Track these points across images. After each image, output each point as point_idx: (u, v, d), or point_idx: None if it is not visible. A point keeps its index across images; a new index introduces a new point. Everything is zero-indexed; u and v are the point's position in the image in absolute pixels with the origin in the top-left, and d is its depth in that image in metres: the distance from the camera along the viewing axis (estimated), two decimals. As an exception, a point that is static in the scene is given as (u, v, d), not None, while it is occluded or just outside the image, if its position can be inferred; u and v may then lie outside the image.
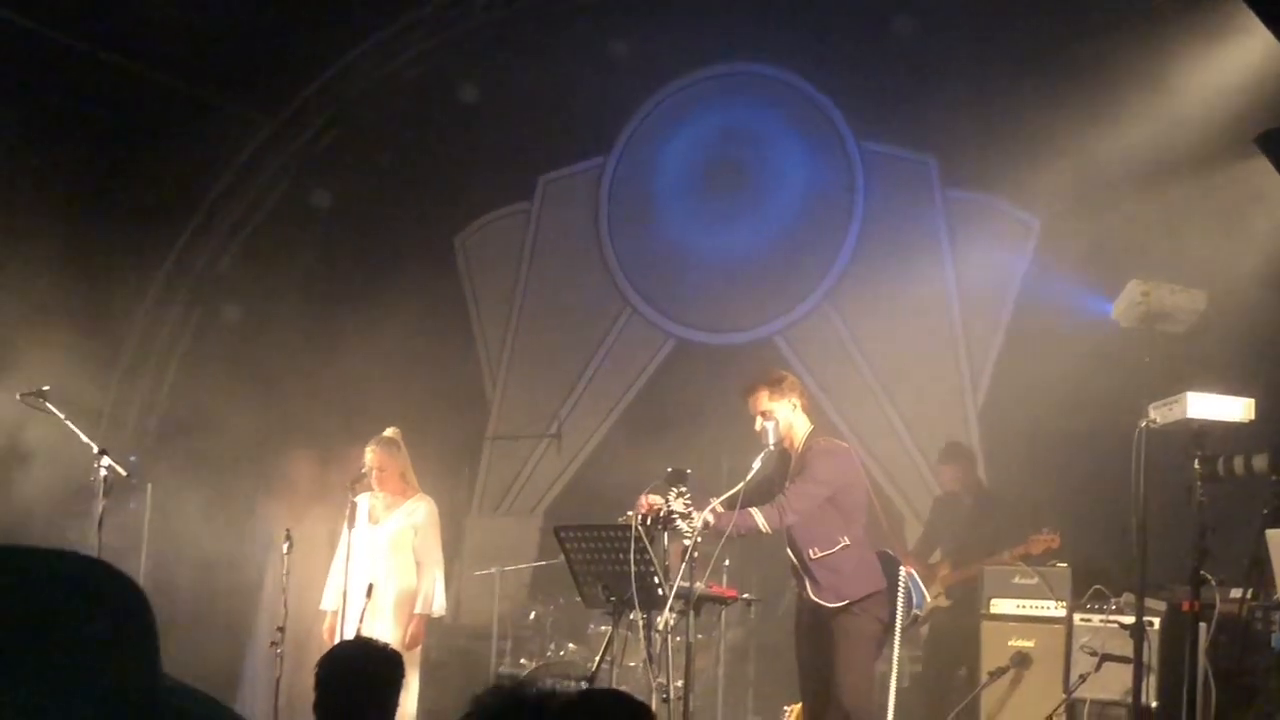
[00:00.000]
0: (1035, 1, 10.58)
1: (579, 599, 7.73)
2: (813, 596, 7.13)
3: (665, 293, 12.22)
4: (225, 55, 11.32)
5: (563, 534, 7.34)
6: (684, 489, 6.84)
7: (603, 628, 9.15)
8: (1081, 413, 9.60)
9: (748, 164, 11.98)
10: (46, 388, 8.36)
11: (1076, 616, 8.73)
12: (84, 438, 8.32)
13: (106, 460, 8.14)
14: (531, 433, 12.39)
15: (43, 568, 2.10)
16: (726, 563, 9.12)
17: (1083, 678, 8.28)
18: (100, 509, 8.11)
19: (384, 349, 11.58)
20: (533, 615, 10.56)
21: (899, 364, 11.25)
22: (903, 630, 7.33)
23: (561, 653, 9.85)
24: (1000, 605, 9.18)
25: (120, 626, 2.07)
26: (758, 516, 6.96)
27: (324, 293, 12.22)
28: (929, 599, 7.61)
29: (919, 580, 7.46)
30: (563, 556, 7.52)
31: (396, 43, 12.64)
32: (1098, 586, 8.70)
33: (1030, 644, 8.96)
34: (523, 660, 10.19)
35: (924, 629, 9.62)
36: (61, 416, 8.33)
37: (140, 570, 10.76)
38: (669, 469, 6.89)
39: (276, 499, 10.68)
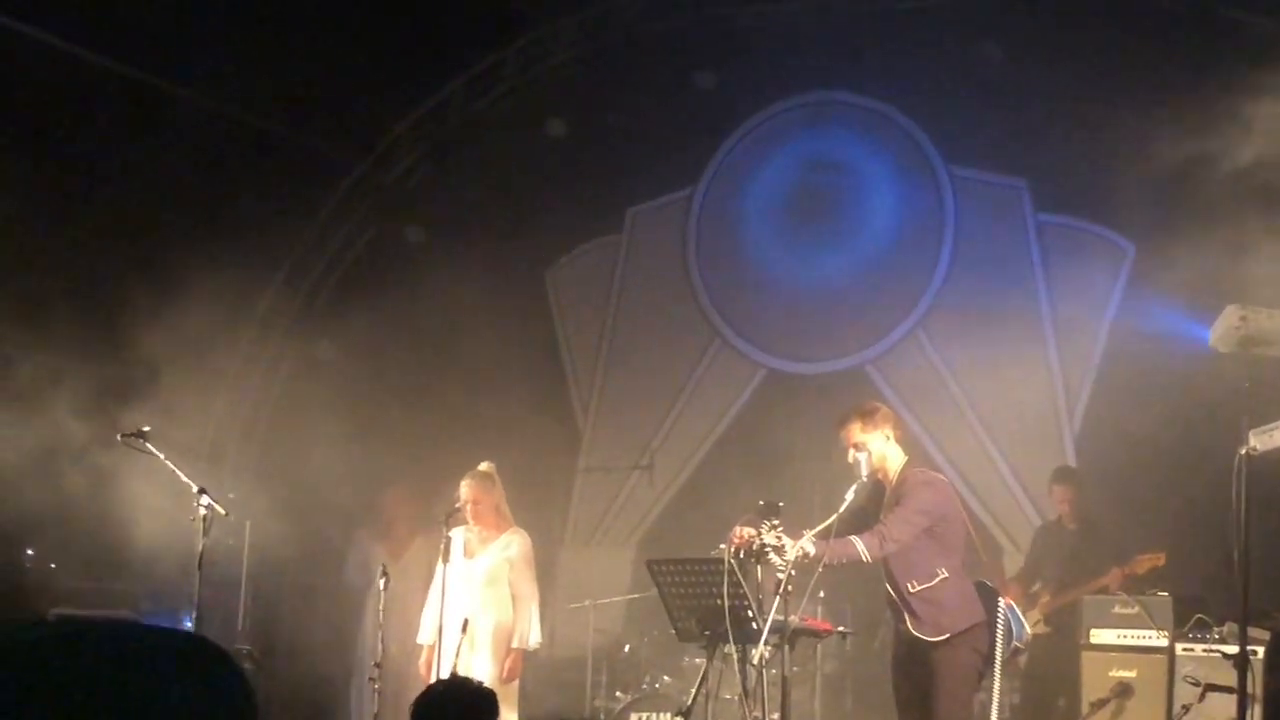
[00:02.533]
0: (1127, 23, 10.46)
1: (673, 632, 7.72)
2: (911, 630, 7.06)
3: (755, 323, 12.20)
4: (316, 96, 11.47)
5: (656, 568, 7.34)
6: (776, 522, 6.81)
7: (697, 660, 9.13)
8: (1179, 439, 9.47)
9: (836, 192, 11.95)
10: (147, 428, 8.48)
11: (1179, 646, 8.62)
12: (184, 477, 8.42)
13: (206, 499, 8.24)
14: (623, 464, 12.40)
15: (149, 644, 2.15)
16: (821, 594, 9.07)
17: (1185, 709, 8.16)
18: (201, 547, 8.20)
19: (476, 383, 11.66)
20: (627, 648, 10.55)
21: (993, 392, 11.14)
22: (1002, 663, 7.24)
23: (656, 685, 9.83)
24: (1101, 635, 9.07)
25: (217, 707, 2.12)
26: (858, 544, 6.91)
27: (417, 328, 12.32)
28: (1028, 627, 7.51)
29: (1018, 612, 7.36)
30: (656, 591, 7.52)
31: (485, 80, 12.76)
32: (1200, 616, 8.57)
33: (1132, 674, 8.84)
34: (618, 693, 10.18)
35: (1022, 658, 9.50)
36: (161, 456, 8.44)
37: (240, 606, 10.91)
38: (761, 502, 6.86)
39: (374, 533, 10.76)
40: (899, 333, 11.56)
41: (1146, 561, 9.02)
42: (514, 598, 8.97)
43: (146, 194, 10.89)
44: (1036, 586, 9.85)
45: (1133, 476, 9.93)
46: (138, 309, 10.53)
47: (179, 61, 10.90)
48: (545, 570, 10.03)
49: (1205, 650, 8.31)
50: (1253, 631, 7.64)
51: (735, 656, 7.15)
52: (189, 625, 10.23)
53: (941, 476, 7.40)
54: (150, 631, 2.20)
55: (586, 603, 10.57)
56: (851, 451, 7.17)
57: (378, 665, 8.60)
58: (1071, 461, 10.67)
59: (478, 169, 12.83)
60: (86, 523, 10.42)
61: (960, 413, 11.30)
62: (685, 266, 12.56)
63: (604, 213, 12.89)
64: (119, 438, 8.56)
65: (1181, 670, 8.42)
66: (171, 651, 2.13)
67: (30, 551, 10.89)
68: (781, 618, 6.82)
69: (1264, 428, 7.03)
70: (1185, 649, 8.56)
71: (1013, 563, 10.46)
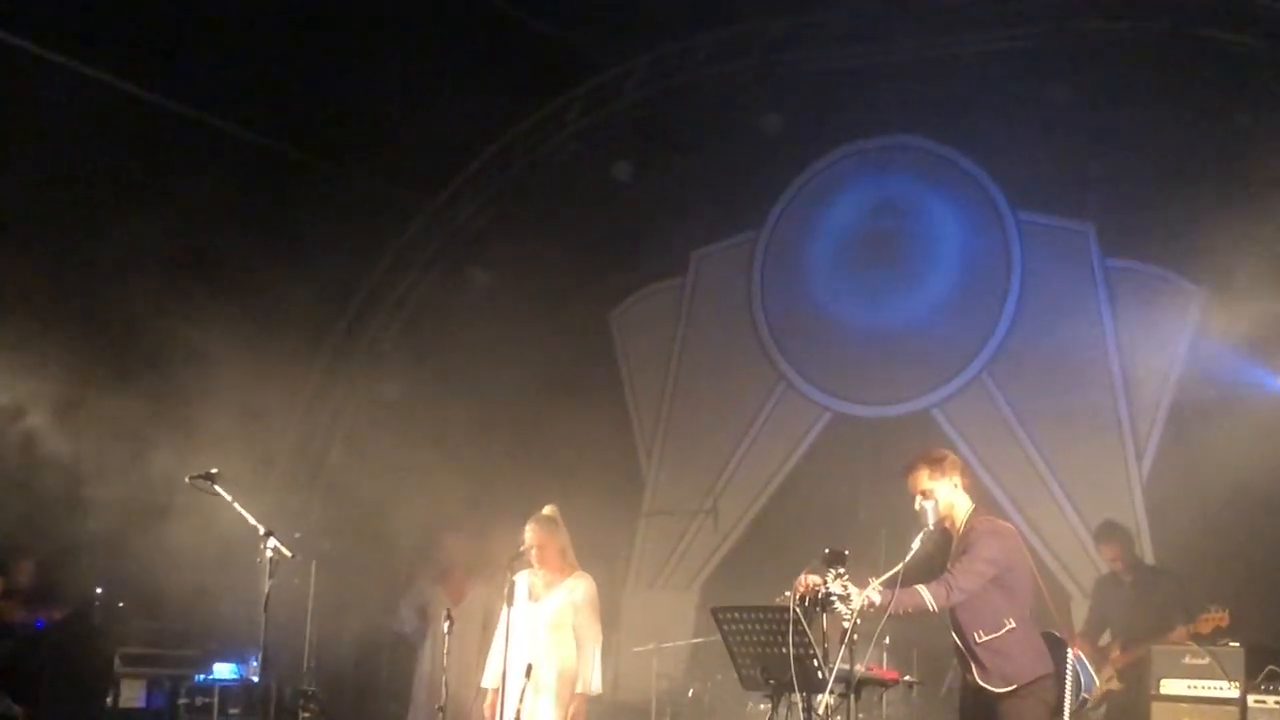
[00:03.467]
0: (1196, 65, 10.40)
1: (737, 678, 7.67)
2: (979, 681, 6.97)
3: (820, 366, 12.17)
4: (385, 138, 11.57)
5: (720, 615, 7.29)
6: (842, 570, 6.76)
7: (762, 706, 9.07)
8: (1251, 487, 9.36)
9: (901, 236, 11.93)
10: (215, 470, 8.54)
11: (1250, 698, 8.52)
12: (251, 520, 8.48)
13: (273, 541, 8.29)
14: (687, 508, 12.38)
15: None
16: (886, 641, 8.99)
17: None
18: (267, 589, 8.25)
19: (541, 426, 11.68)
20: (691, 692, 10.51)
21: (1060, 437, 11.06)
22: (1072, 715, 7.14)
23: (720, 731, 9.79)
24: (1171, 686, 8.95)
25: None
26: (925, 594, 6.85)
27: (481, 371, 12.37)
28: (1099, 683, 7.41)
29: (1087, 663, 7.26)
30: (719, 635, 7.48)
31: (552, 123, 12.85)
32: (1272, 667, 8.46)
33: (1203, 726, 8.72)
34: (681, 738, 10.14)
35: (1092, 711, 9.39)
36: (229, 498, 8.50)
37: (305, 645, 10.96)
38: (827, 550, 6.81)
39: (432, 577, 10.77)
40: (965, 377, 11.50)
41: (1210, 621, 8.90)
42: (578, 642, 8.93)
43: (213, 233, 10.99)
44: (1105, 640, 9.74)
45: (1203, 523, 9.83)
46: (205, 350, 10.65)
47: (249, 101, 11.04)
48: (609, 614, 10.01)
49: (1277, 702, 8.19)
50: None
51: (800, 704, 7.09)
52: (255, 665, 10.33)
53: (1009, 525, 7.31)
54: None
55: (650, 646, 10.54)
56: (919, 499, 7.12)
57: (441, 710, 8.60)
58: (1140, 509, 10.57)
59: (543, 211, 12.89)
60: (154, 562, 10.53)
61: (1026, 457, 11.22)
62: (750, 309, 12.55)
63: (669, 255, 12.92)
64: (187, 479, 8.63)
65: (1253, 721, 8.32)
66: None
67: (99, 590, 11.00)
68: (847, 666, 6.77)
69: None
70: (1257, 700, 8.46)
71: (1079, 608, 10.35)
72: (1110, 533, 9.92)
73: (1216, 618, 8.88)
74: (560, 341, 12.48)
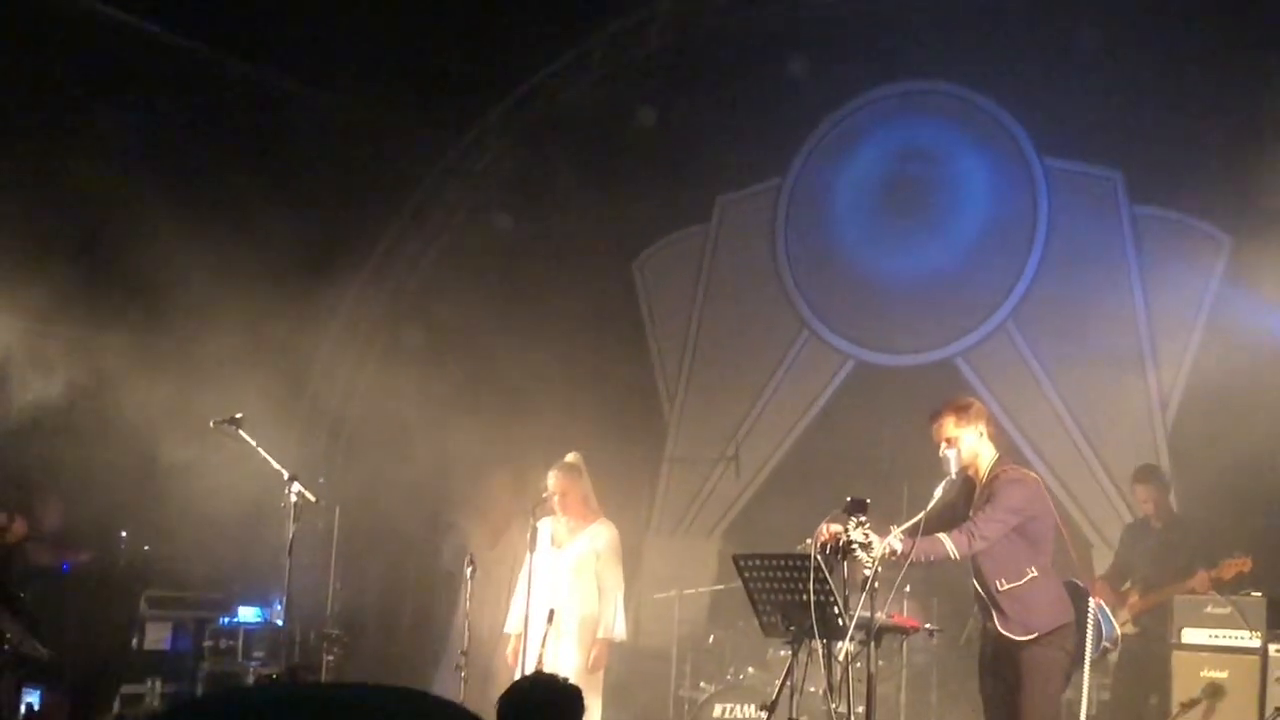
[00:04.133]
0: (1227, 11, 10.28)
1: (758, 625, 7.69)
2: (1000, 629, 6.99)
3: (844, 314, 12.12)
4: (408, 80, 11.52)
5: (742, 562, 7.30)
6: (864, 518, 6.76)
7: (782, 653, 9.10)
8: (1275, 436, 9.31)
9: (928, 183, 11.84)
10: (239, 415, 8.58)
11: (1272, 647, 8.53)
12: (275, 464, 8.52)
13: (297, 486, 8.33)
14: (709, 455, 12.38)
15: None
16: (907, 589, 8.99)
17: (1278, 710, 8.03)
18: (291, 533, 8.30)
19: (563, 371, 11.68)
20: (712, 638, 10.54)
21: (1085, 386, 11.01)
22: (1091, 662, 7.15)
23: (741, 677, 9.81)
24: (1192, 635, 8.96)
25: None
26: (947, 543, 6.85)
27: (506, 315, 12.37)
28: (1117, 628, 7.41)
29: (1108, 612, 7.27)
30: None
31: (575, 68, 12.77)
32: (1293, 616, 8.44)
33: (1223, 675, 8.74)
34: (702, 684, 10.17)
35: (1112, 656, 9.39)
36: (254, 443, 8.54)
37: (329, 591, 11.03)
38: (849, 498, 6.81)
39: (472, 520, 10.79)
40: (990, 325, 11.44)
41: (1233, 566, 8.89)
42: (600, 588, 8.99)
43: (233, 177, 10.96)
44: (1125, 585, 9.73)
45: (1227, 473, 9.76)
46: (231, 298, 10.67)
47: (265, 43, 10.98)
48: (630, 560, 10.06)
49: (1299, 652, 8.20)
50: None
51: (821, 651, 7.10)
52: (279, 609, 10.40)
53: (1033, 474, 7.30)
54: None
55: (672, 593, 10.57)
56: (943, 447, 7.11)
57: (464, 653, 8.66)
58: (1164, 458, 10.53)
59: (567, 157, 12.84)
60: (178, 506, 10.60)
61: (1050, 406, 11.17)
62: (774, 256, 12.50)
63: (692, 202, 12.86)
64: (211, 424, 8.68)
65: (1274, 672, 8.33)
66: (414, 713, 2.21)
67: (124, 534, 11.07)
68: (868, 614, 6.78)
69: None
70: (1278, 650, 8.44)
71: (1101, 558, 10.33)
72: (1150, 475, 9.90)
73: (1239, 563, 8.87)
74: (584, 288, 12.46)
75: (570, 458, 9.16)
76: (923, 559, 6.84)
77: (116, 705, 10.48)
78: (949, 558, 6.89)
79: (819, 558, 6.78)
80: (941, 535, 6.86)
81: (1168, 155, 10.62)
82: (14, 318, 9.80)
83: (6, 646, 8.88)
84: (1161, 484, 9.86)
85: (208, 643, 10.89)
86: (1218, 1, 10.29)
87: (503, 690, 5.02)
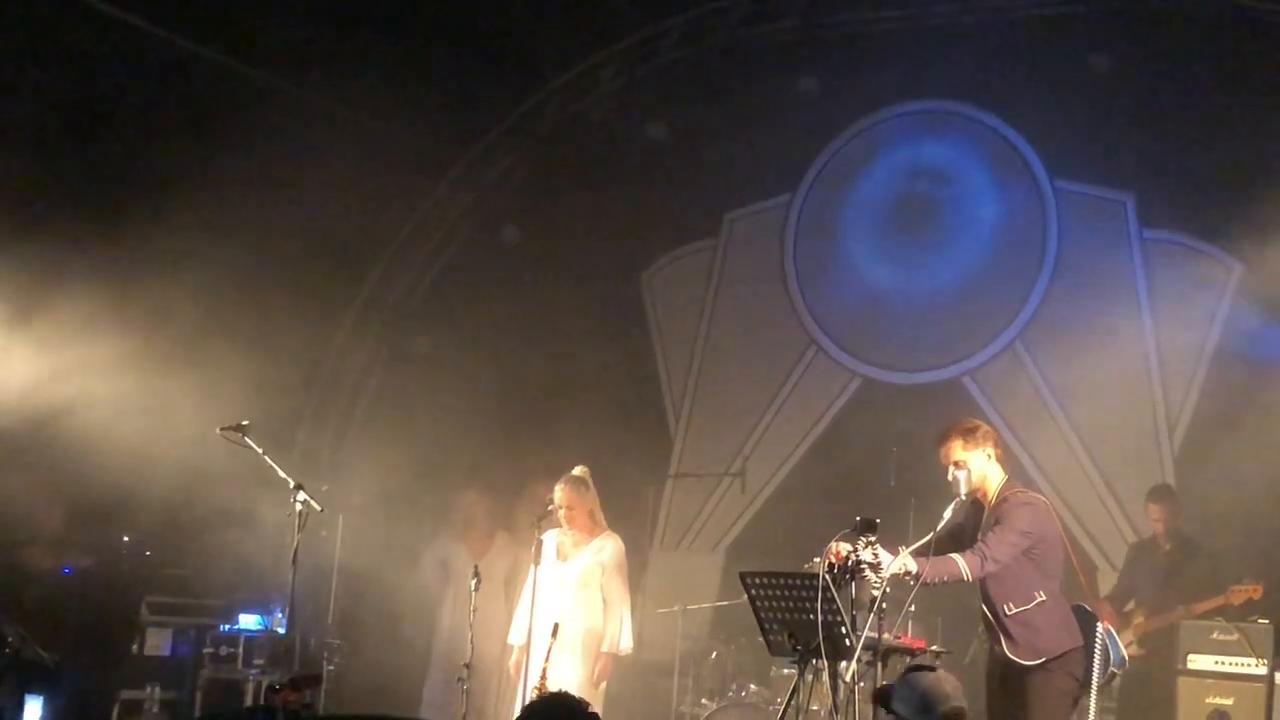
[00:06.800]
0: (1240, 37, 10.29)
1: (762, 641, 7.66)
2: (1007, 653, 6.97)
3: (852, 331, 12.10)
4: (414, 93, 11.50)
5: (749, 580, 7.26)
6: (873, 538, 6.74)
7: (785, 670, 9.08)
8: (1283, 464, 9.30)
9: (937, 202, 11.84)
10: (246, 422, 8.55)
11: (1278, 675, 8.46)
12: (281, 472, 8.49)
13: (302, 494, 8.30)
14: (714, 471, 12.35)
15: None
16: (912, 609, 8.96)
17: (1284, 739, 8.02)
18: (295, 541, 8.27)
19: (570, 385, 11.66)
20: (715, 654, 10.51)
21: (1092, 408, 10.98)
22: (1099, 688, 7.13)
23: (743, 693, 9.77)
24: (1198, 661, 8.95)
25: None
26: (960, 563, 6.84)
27: (511, 329, 12.35)
28: (1124, 651, 7.39)
29: (1116, 637, 7.25)
30: (746, 599, 7.46)
31: (585, 81, 12.77)
32: (1301, 644, 8.42)
33: (1229, 702, 8.73)
34: (704, 700, 10.15)
35: (1117, 680, 9.36)
36: (260, 451, 8.51)
37: (331, 597, 11.00)
38: (858, 518, 6.79)
39: (454, 533, 10.79)
40: (998, 345, 11.43)
41: (1243, 593, 8.88)
42: (605, 602, 8.98)
43: (242, 186, 10.94)
44: (1130, 606, 9.71)
45: (1234, 497, 9.74)
46: (233, 301, 10.65)
47: (275, 54, 10.97)
48: (634, 574, 10.03)
49: (1306, 680, 8.18)
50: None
51: (826, 670, 7.08)
52: (280, 616, 10.37)
53: (1042, 498, 7.29)
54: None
55: (675, 608, 10.54)
56: (951, 469, 7.09)
57: (467, 665, 8.62)
58: (1171, 481, 10.50)
59: (575, 171, 12.84)
60: (181, 512, 10.56)
61: (1057, 428, 11.15)
62: (782, 273, 12.48)
63: (701, 218, 12.84)
64: (218, 431, 8.64)
65: (1280, 700, 8.30)
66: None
67: (126, 539, 11.04)
68: (875, 634, 6.76)
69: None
70: (1285, 678, 8.44)
71: (1107, 580, 10.31)
72: (1165, 494, 9.94)
73: (1250, 589, 8.86)
74: (591, 301, 12.43)
75: (577, 471, 9.15)
76: (936, 580, 6.82)
77: (115, 711, 10.44)
78: (962, 578, 6.88)
79: (827, 577, 6.76)
80: (954, 556, 6.85)
81: (1178, 180, 10.62)
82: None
83: (8, 651, 8.85)
84: (1175, 505, 9.86)
85: (208, 649, 10.84)
86: (1233, 28, 10.28)
87: (502, 701, 5.00)
